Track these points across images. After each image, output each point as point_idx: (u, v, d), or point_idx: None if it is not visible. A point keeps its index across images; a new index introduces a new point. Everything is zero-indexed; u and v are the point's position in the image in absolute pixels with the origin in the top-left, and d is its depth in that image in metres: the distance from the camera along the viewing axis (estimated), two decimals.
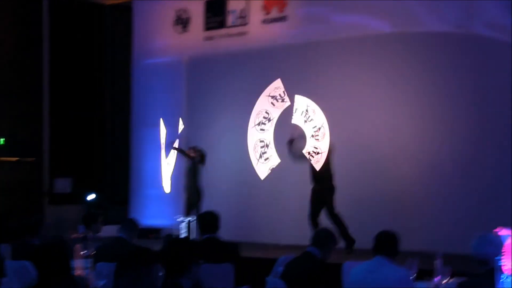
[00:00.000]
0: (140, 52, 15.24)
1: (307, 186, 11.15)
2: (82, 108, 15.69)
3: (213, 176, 13.13)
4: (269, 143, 11.24)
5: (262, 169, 11.20)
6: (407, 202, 11.61)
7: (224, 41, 14.04)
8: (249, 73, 13.56)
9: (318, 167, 10.80)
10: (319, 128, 10.77)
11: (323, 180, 10.98)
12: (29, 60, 14.87)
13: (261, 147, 11.29)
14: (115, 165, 15.75)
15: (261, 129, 11.32)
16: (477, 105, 11.02)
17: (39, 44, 15.00)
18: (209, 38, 14.27)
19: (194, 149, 12.82)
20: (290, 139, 11.07)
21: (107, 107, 15.96)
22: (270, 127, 11.28)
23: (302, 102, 10.89)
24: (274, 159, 11.13)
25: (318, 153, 10.79)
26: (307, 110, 10.87)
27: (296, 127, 10.95)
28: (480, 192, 10.91)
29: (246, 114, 13.41)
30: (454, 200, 11.14)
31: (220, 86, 13.97)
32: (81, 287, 5.06)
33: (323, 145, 10.76)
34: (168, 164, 12.99)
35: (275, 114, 11.27)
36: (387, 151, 11.79)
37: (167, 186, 13.00)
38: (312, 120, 10.81)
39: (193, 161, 12.71)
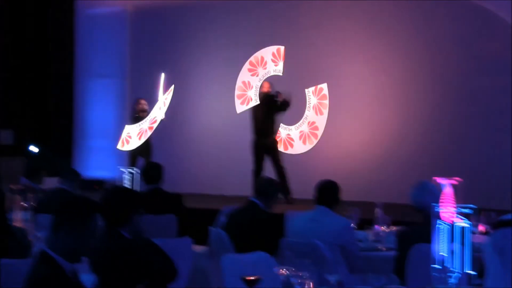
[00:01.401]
0: (83, 1, 14.94)
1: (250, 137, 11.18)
2: (23, 59, 15.37)
3: (158, 129, 13.05)
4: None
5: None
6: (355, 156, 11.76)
7: None
8: (196, 23, 13.42)
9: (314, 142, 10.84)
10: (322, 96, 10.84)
11: (267, 134, 11.00)
12: None
13: None
14: (59, 116, 15.52)
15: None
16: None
17: None
18: None
19: (141, 101, 12.54)
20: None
21: (50, 57, 15.66)
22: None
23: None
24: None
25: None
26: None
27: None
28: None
29: (192, 67, 13.37)
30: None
31: (166, 37, 13.83)
32: (18, 236, 5.01)
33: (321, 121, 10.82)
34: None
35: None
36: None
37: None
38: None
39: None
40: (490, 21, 10.67)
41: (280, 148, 11.09)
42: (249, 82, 11.36)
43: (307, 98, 11.01)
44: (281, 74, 11.10)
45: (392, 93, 11.55)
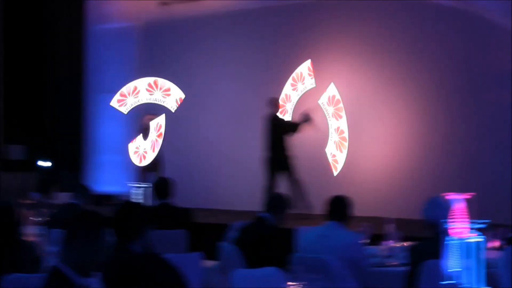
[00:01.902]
0: (93, 17, 15.01)
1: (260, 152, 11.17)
2: (35, 74, 15.44)
3: (168, 145, 13.07)
4: None
5: None
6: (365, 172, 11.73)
7: (179, 6, 13.91)
8: (205, 39, 13.46)
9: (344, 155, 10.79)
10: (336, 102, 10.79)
11: (279, 150, 10.99)
12: None
13: None
14: (69, 132, 15.57)
15: None
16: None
17: None
18: (165, 4, 14.13)
19: (151, 116, 12.49)
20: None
21: (61, 73, 15.72)
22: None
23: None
24: None
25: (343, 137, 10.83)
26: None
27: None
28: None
29: (202, 81, 13.40)
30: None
31: (175, 53, 13.86)
32: (30, 250, 5.00)
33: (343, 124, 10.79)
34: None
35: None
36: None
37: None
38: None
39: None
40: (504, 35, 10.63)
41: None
42: (289, 96, 11.39)
43: (324, 110, 10.95)
44: (314, 85, 11.11)
45: (404, 110, 11.51)
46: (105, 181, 14.26)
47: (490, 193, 9.96)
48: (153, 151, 11.75)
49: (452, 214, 4.12)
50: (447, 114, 11.16)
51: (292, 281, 4.28)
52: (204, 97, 13.41)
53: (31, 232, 6.47)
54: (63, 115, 15.68)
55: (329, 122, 10.84)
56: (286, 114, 11.31)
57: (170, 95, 11.33)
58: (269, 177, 11.08)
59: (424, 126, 11.36)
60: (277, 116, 11.12)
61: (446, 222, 4.01)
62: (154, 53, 14.24)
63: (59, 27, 15.70)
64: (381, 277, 5.68)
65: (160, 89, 11.36)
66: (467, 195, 4.28)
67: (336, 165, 10.83)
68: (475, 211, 4.24)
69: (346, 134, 10.82)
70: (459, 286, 3.95)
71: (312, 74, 11.08)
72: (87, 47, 15.09)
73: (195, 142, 13.44)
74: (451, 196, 4.71)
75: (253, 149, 11.55)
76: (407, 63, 11.50)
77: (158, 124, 11.72)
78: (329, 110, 10.82)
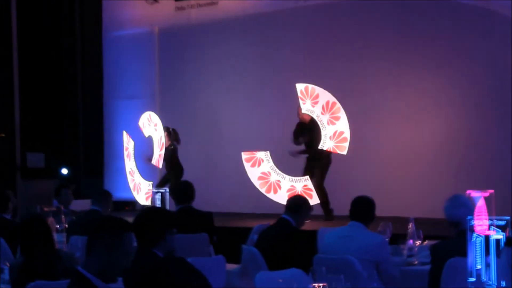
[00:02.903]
0: (110, 23, 15.09)
1: (283, 156, 11.13)
2: (53, 81, 15.53)
3: (189, 148, 13.10)
4: None
5: None
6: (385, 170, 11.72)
7: (195, 11, 13.95)
8: (221, 44, 13.50)
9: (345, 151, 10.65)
10: (331, 106, 10.64)
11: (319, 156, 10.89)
12: None
13: None
14: (88, 138, 15.65)
15: None
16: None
17: (8, 17, 14.79)
18: (180, 9, 14.17)
19: (168, 132, 12.44)
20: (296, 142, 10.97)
21: (79, 79, 15.81)
22: None
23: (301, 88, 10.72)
24: None
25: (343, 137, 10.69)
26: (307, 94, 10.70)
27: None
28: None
29: (220, 85, 13.43)
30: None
31: (192, 58, 13.91)
32: (66, 261, 5.04)
33: (342, 125, 10.64)
34: (129, 173, 12.54)
35: None
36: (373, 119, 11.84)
37: (142, 199, 12.49)
38: (319, 102, 10.65)
39: (170, 149, 12.51)
40: None
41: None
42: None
43: (319, 122, 10.78)
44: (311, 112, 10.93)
45: (424, 108, 11.48)
46: (126, 187, 14.31)
47: (508, 190, 9.92)
48: (160, 150, 11.86)
49: (476, 211, 4.12)
50: (470, 111, 11.12)
51: (314, 283, 4.28)
52: (223, 102, 13.44)
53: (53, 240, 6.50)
54: (82, 122, 15.77)
55: (323, 132, 10.66)
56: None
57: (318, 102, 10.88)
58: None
59: (444, 125, 11.33)
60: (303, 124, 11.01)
61: (468, 220, 4.00)
62: (171, 58, 14.29)
63: (76, 34, 15.79)
64: (404, 276, 5.67)
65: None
66: (486, 193, 4.27)
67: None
68: (495, 208, 4.23)
69: (346, 134, 10.67)
70: (483, 284, 3.94)
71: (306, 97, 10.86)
72: (105, 53, 15.17)
73: (217, 145, 13.46)
74: (472, 193, 4.70)
75: (275, 151, 11.52)
76: (436, 60, 11.44)
77: (160, 140, 11.85)
78: (323, 120, 10.62)
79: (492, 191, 5.26)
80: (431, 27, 11.47)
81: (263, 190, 10.84)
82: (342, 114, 10.57)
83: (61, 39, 15.68)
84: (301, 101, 10.67)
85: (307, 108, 10.69)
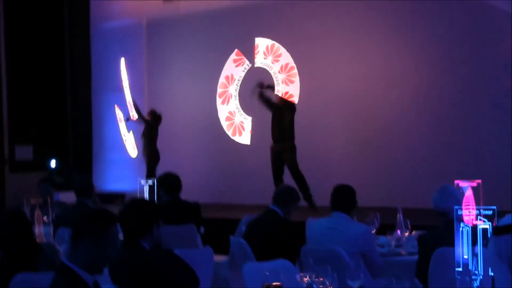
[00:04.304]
0: (98, 15, 15.03)
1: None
2: (41, 74, 15.47)
3: (176, 139, 13.09)
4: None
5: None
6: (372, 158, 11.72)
7: (183, 3, 13.89)
8: (209, 35, 13.45)
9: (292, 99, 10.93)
10: (290, 68, 10.95)
11: (284, 140, 10.97)
12: None
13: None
14: (77, 131, 15.61)
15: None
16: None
17: None
18: (169, 0, 14.11)
19: (151, 113, 12.78)
20: (259, 87, 11.04)
21: (67, 72, 15.75)
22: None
23: (263, 43, 11.02)
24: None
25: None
26: (271, 51, 11.04)
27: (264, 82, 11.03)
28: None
29: (209, 76, 13.39)
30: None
31: (181, 49, 13.86)
32: (45, 252, 5.02)
33: (294, 89, 10.91)
34: (124, 135, 13.10)
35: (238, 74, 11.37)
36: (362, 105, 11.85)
37: (132, 151, 13.07)
38: (279, 61, 11.00)
39: (148, 125, 12.68)
40: None
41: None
42: (232, 76, 11.43)
43: (274, 78, 11.14)
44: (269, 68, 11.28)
45: (412, 96, 11.47)
46: (115, 179, 14.29)
47: (499, 179, 9.94)
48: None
49: (464, 201, 4.13)
50: (456, 100, 11.12)
51: (301, 273, 4.28)
52: (210, 92, 13.40)
53: (39, 232, 6.49)
54: (71, 114, 15.72)
55: (277, 88, 11.06)
56: (230, 99, 11.50)
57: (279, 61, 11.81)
58: (276, 168, 11.06)
59: (432, 114, 11.33)
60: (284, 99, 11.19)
61: (456, 210, 4.00)
62: (159, 50, 14.24)
63: (64, 26, 15.73)
64: (391, 266, 5.67)
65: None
66: (474, 183, 4.28)
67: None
68: (483, 198, 4.24)
69: (296, 99, 11.28)
70: (470, 273, 3.94)
71: (268, 55, 11.29)
72: (93, 45, 15.11)
73: (203, 135, 13.43)
74: (461, 184, 4.71)
75: (262, 141, 11.52)
76: (424, 47, 11.44)
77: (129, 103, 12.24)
78: (279, 77, 11.03)
79: (479, 181, 5.28)
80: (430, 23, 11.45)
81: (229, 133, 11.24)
82: (297, 80, 10.89)
83: (48, 31, 15.60)
84: (263, 56, 11.03)
85: (265, 63, 10.89)
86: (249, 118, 11.06)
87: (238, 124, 11.05)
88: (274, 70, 11.15)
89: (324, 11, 12.01)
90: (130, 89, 13.21)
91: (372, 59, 11.67)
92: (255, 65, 11.53)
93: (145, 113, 13.01)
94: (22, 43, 15.13)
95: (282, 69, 11.26)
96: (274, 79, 10.94)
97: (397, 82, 11.57)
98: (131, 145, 13.33)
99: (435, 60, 11.27)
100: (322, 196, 10.50)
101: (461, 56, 11.04)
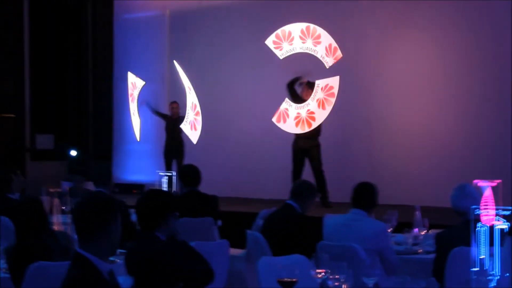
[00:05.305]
0: (121, 6, 15.05)
1: (291, 141, 11.14)
2: (63, 63, 15.55)
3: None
4: None
5: None
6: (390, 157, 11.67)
7: None
8: (234, 26, 13.42)
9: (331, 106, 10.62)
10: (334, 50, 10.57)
11: (311, 137, 10.91)
12: (8, 16, 14.67)
13: None
14: (98, 121, 15.67)
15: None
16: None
17: (19, 0, 14.81)
18: None
19: (173, 105, 12.81)
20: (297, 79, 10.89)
21: (90, 62, 15.82)
22: None
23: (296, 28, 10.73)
24: None
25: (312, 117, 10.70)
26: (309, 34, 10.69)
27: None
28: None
29: (233, 68, 13.36)
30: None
31: (204, 41, 13.84)
32: (60, 239, 5.04)
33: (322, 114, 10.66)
34: (133, 115, 13.11)
35: None
36: (378, 106, 11.79)
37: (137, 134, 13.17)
38: (321, 42, 10.60)
39: (171, 119, 12.71)
40: None
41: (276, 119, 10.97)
42: None
43: (314, 91, 10.82)
44: (309, 51, 10.89)
45: (433, 96, 11.41)
46: (134, 170, 14.33)
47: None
48: (195, 130, 12.01)
49: (482, 201, 4.10)
50: (479, 101, 11.05)
51: (317, 269, 4.27)
52: (232, 85, 13.39)
53: (58, 221, 6.51)
54: (92, 104, 15.79)
55: (309, 100, 10.69)
56: None
57: (321, 42, 10.80)
58: (297, 165, 11.03)
59: (452, 113, 11.27)
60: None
61: (475, 209, 3.97)
62: (182, 41, 14.23)
63: (88, 16, 15.79)
64: (408, 265, 5.65)
65: (312, 36, 10.84)
66: (493, 183, 4.24)
67: (312, 122, 10.68)
68: (502, 198, 4.20)
69: (314, 123, 10.73)
70: (486, 273, 3.92)
71: (306, 38, 10.78)
72: (116, 36, 15.15)
73: (224, 129, 13.42)
74: (479, 183, 4.66)
75: (281, 136, 11.49)
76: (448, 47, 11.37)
77: (193, 104, 11.93)
78: (317, 94, 10.62)
79: (499, 181, 5.23)
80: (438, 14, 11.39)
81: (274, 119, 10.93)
82: (329, 108, 10.60)
83: (72, 21, 15.67)
84: (301, 41, 10.64)
85: (307, 46, 10.63)
86: (294, 105, 10.76)
87: (283, 110, 10.81)
88: (320, 53, 10.59)
89: None
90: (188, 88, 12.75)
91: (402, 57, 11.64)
92: (295, 51, 11.02)
93: (167, 107, 13.06)
94: (46, 34, 15.20)
95: (328, 51, 10.61)
96: (324, 63, 10.56)
97: (422, 82, 11.51)
98: (137, 127, 13.28)
99: (458, 60, 11.21)
100: (340, 192, 10.59)
101: (486, 56, 10.96)
